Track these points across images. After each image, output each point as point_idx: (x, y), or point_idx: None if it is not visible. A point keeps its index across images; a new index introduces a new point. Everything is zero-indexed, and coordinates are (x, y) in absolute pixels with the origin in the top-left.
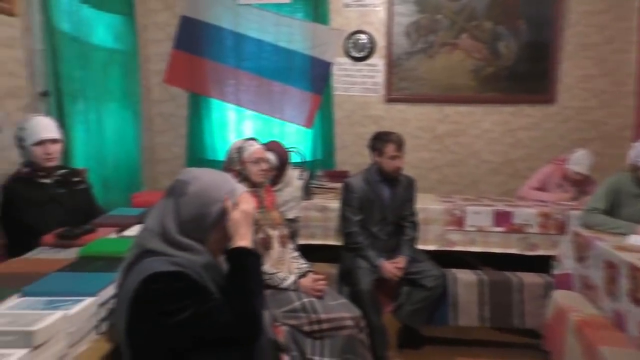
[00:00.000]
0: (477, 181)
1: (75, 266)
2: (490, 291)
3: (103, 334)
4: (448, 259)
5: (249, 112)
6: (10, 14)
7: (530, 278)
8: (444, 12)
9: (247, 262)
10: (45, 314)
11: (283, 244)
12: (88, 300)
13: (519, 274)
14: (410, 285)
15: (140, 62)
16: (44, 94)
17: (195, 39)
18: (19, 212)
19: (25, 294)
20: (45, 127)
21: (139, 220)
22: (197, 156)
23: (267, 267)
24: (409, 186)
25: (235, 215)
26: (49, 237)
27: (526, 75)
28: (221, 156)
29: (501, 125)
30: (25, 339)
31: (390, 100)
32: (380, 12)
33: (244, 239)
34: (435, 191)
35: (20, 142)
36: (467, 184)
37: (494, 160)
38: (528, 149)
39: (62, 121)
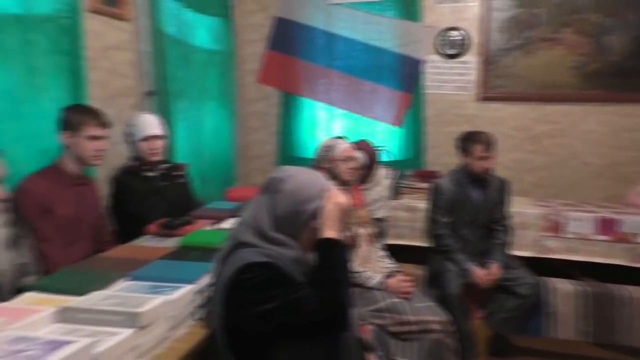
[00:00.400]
0: (577, 185)
1: (175, 255)
2: (594, 304)
3: (199, 320)
4: (541, 266)
5: (338, 111)
6: (122, 19)
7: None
8: (543, 6)
9: (333, 252)
10: (150, 297)
11: (370, 243)
12: (187, 287)
13: (628, 287)
14: (502, 292)
15: (237, 63)
16: (151, 93)
17: (287, 39)
18: (126, 202)
19: (133, 278)
20: (152, 124)
21: (233, 213)
22: (287, 153)
23: (353, 265)
24: (501, 188)
25: (328, 207)
26: (152, 227)
27: (636, 72)
28: (311, 154)
29: (606, 125)
30: (132, 320)
31: (484, 98)
32: (475, 8)
33: (331, 230)
34: (531, 194)
35: (128, 137)
36: (565, 187)
37: (596, 163)
38: (636, 152)
39: (166, 119)
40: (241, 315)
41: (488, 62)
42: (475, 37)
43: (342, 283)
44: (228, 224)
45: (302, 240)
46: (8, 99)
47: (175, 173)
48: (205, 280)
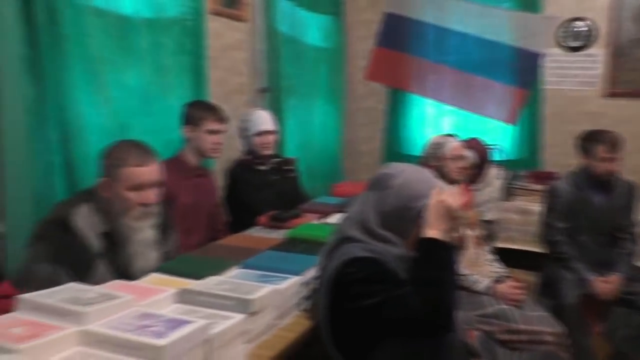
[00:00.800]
0: None
1: (284, 246)
2: None
3: (305, 311)
4: None
5: (448, 108)
6: (240, 19)
7: None
8: None
9: (438, 252)
10: (260, 286)
11: (479, 246)
12: (294, 279)
13: None
14: (625, 306)
15: (346, 59)
16: (264, 90)
17: (397, 34)
18: (239, 194)
19: (244, 266)
20: (265, 119)
21: (339, 208)
22: (394, 150)
23: (460, 267)
24: (629, 193)
25: (431, 205)
26: (263, 218)
27: None
28: (418, 151)
29: None
30: (243, 305)
31: (611, 94)
32: None
33: (433, 229)
34: None
35: (243, 132)
36: None
37: None
38: None
39: (277, 114)
40: (344, 309)
41: (617, 54)
42: (603, 27)
43: (447, 283)
44: (334, 218)
45: (408, 238)
46: (141, 97)
47: (285, 167)
48: (311, 272)
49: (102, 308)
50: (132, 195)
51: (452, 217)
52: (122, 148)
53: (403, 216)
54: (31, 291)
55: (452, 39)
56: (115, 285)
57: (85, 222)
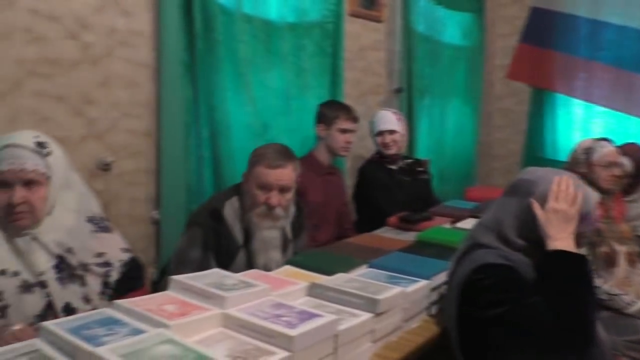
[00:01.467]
0: None
1: (413, 249)
2: None
3: (432, 317)
4: None
5: (600, 109)
6: (378, 20)
7: None
8: None
9: (564, 265)
10: (387, 286)
11: (632, 263)
12: (423, 282)
13: None
14: None
15: (485, 58)
16: (398, 91)
17: (544, 30)
18: (368, 192)
19: (372, 266)
20: (386, 119)
21: (472, 213)
22: (535, 154)
23: (607, 286)
24: None
25: (541, 214)
26: (393, 219)
27: None
28: (563, 156)
29: None
30: (372, 305)
31: None
32: None
33: (557, 240)
34: None
35: (370, 132)
36: None
37: None
38: None
39: (411, 115)
40: (473, 317)
41: None
42: None
43: (580, 295)
44: (466, 223)
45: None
46: (282, 97)
47: (417, 169)
48: (441, 277)
49: (241, 294)
50: (259, 194)
51: (571, 220)
52: (264, 148)
53: None
54: (183, 271)
55: (608, 33)
56: (252, 274)
57: (233, 213)
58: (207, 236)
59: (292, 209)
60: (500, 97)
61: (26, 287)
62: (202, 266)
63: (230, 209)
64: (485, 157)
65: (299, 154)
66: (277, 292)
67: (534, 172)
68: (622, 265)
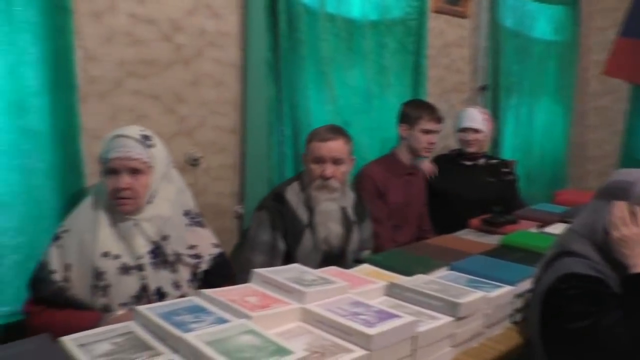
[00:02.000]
0: None
1: (496, 252)
2: None
3: (516, 324)
4: None
5: None
6: (463, 16)
7: None
8: None
9: None
10: (469, 290)
11: None
12: (506, 288)
13: None
14: None
15: (579, 54)
16: (483, 88)
17: None
18: (438, 186)
19: (452, 268)
20: (471, 117)
21: (562, 218)
22: (634, 156)
23: None
24: None
25: (625, 232)
26: (475, 221)
27: None
28: None
29: None
30: (452, 308)
31: None
32: None
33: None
34: None
35: (454, 127)
36: None
37: None
38: None
39: (497, 114)
40: (555, 327)
41: None
42: None
43: None
44: (555, 228)
45: None
46: (363, 95)
47: (503, 169)
48: (526, 284)
49: (321, 290)
50: (315, 167)
51: None
52: (318, 128)
53: None
54: (256, 255)
55: None
56: (330, 271)
57: (295, 196)
58: (273, 217)
59: (352, 194)
60: (595, 95)
61: (125, 269)
62: (273, 247)
63: (292, 192)
64: (578, 159)
65: (380, 153)
66: (355, 290)
67: (630, 174)
68: None
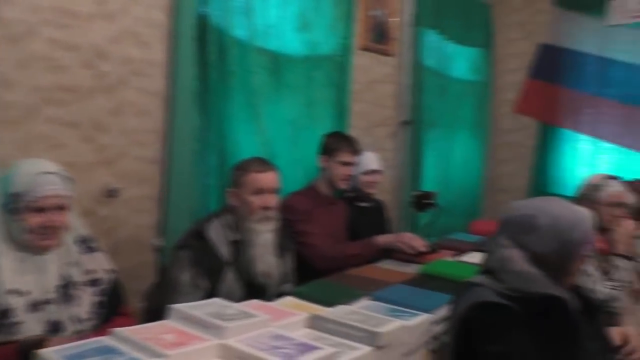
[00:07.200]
0: None
1: (416, 281)
2: None
3: (432, 352)
4: None
5: (607, 145)
6: (388, 54)
7: None
8: None
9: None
10: (389, 319)
11: (637, 300)
12: (424, 316)
13: None
14: None
15: (493, 93)
16: (406, 123)
17: (552, 66)
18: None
19: (374, 298)
20: (371, 160)
21: (476, 247)
22: (542, 189)
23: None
24: None
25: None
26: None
27: None
28: (569, 191)
29: None
30: (371, 338)
31: None
32: None
33: None
34: None
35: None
36: None
37: None
38: None
39: (418, 147)
40: (469, 354)
41: None
42: None
43: None
44: (470, 257)
45: (569, 275)
46: (291, 128)
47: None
48: (443, 311)
49: (241, 324)
50: (255, 199)
51: None
52: (245, 160)
53: (563, 255)
54: (178, 298)
55: (616, 70)
56: (252, 305)
57: (216, 233)
58: (194, 256)
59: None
60: (507, 131)
61: (34, 305)
62: (194, 286)
63: (213, 230)
64: (491, 191)
65: (302, 184)
66: (277, 323)
67: (525, 207)
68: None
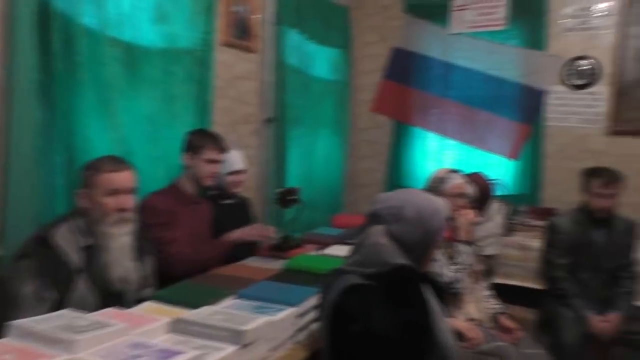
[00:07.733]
0: None
1: (280, 277)
2: None
3: (299, 343)
4: None
5: (451, 141)
6: (250, 51)
7: None
8: None
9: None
10: (254, 317)
11: (477, 281)
12: (290, 310)
13: None
14: (626, 346)
15: (351, 92)
16: (270, 120)
17: (404, 69)
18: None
19: (239, 297)
20: (236, 159)
21: (338, 240)
22: (396, 183)
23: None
24: (629, 231)
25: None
26: (263, 248)
27: None
28: (420, 184)
29: None
30: (236, 337)
31: (614, 132)
32: (609, 36)
33: None
34: None
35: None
36: None
37: None
38: None
39: (282, 144)
40: (341, 335)
41: (621, 92)
42: (606, 66)
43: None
44: (333, 249)
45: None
46: (150, 124)
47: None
48: (308, 304)
49: (93, 336)
50: (109, 201)
51: None
52: (97, 159)
53: (426, 242)
54: (21, 314)
55: (458, 74)
56: (108, 313)
57: (64, 238)
58: (37, 265)
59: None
60: (365, 129)
61: None
62: (39, 298)
63: (61, 236)
64: (351, 186)
65: (163, 183)
66: (136, 330)
67: (390, 199)
68: (467, 283)
